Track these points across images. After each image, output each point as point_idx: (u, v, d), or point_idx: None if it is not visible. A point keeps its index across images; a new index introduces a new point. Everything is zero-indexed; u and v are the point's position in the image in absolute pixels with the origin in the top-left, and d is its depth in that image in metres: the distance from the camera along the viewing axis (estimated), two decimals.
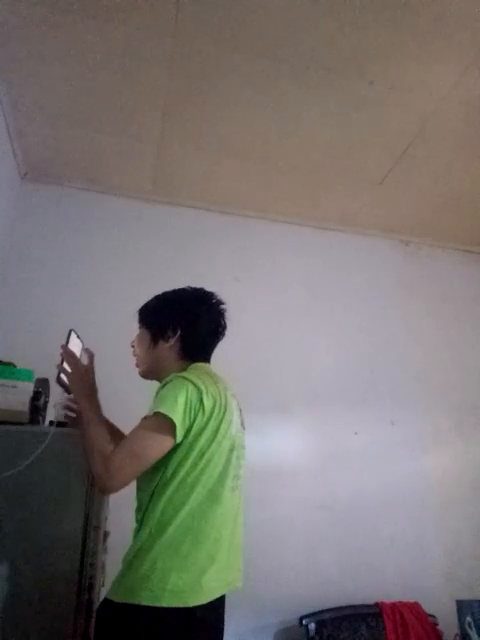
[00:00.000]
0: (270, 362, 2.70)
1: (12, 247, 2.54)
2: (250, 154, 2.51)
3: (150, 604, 1.08)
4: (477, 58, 1.93)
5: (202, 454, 1.20)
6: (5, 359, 1.55)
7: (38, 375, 1.50)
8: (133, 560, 1.15)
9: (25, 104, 2.22)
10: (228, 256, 2.87)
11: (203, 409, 1.20)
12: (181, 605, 1.10)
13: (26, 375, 1.42)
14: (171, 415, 1.14)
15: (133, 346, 1.43)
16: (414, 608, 2.37)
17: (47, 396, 1.53)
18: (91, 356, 1.35)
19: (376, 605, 2.35)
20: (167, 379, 1.24)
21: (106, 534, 1.38)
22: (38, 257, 2.59)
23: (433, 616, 2.39)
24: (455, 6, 1.73)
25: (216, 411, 1.23)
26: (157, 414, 1.15)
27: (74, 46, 1.94)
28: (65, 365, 1.29)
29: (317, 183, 2.73)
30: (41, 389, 1.48)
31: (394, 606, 2.35)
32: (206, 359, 1.41)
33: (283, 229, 3.02)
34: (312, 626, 2.21)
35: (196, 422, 1.19)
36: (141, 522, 1.20)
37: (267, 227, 3.00)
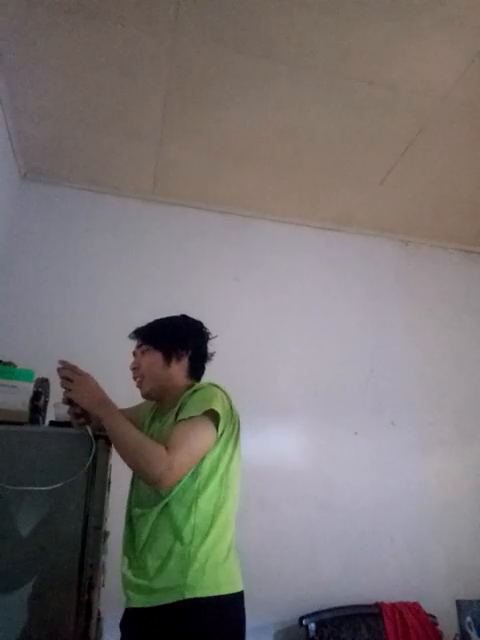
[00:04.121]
0: (270, 362, 2.69)
1: (12, 247, 2.55)
2: (250, 154, 2.51)
3: (230, 591, 1.22)
4: (477, 58, 1.94)
5: (231, 457, 1.33)
6: (5, 359, 1.55)
7: (38, 375, 1.50)
8: (194, 553, 1.20)
9: (25, 104, 2.22)
10: (228, 256, 2.87)
11: (232, 415, 1.34)
12: (240, 589, 1.26)
13: (26, 375, 1.42)
14: (220, 412, 1.26)
15: (134, 368, 1.46)
16: (414, 608, 2.37)
17: (47, 396, 1.52)
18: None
19: (376, 605, 2.35)
20: (195, 388, 1.35)
21: (106, 534, 1.38)
22: (38, 257, 2.59)
23: (433, 616, 2.39)
24: (455, 6, 1.73)
25: (236, 420, 1.38)
26: (208, 412, 1.25)
27: (74, 46, 1.94)
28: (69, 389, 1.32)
29: (317, 183, 2.73)
30: (41, 389, 1.47)
31: (394, 606, 2.35)
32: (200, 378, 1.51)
33: (283, 229, 3.02)
34: (312, 626, 2.21)
35: (227, 426, 1.31)
36: (167, 505, 1.24)
37: (267, 227, 3.00)
